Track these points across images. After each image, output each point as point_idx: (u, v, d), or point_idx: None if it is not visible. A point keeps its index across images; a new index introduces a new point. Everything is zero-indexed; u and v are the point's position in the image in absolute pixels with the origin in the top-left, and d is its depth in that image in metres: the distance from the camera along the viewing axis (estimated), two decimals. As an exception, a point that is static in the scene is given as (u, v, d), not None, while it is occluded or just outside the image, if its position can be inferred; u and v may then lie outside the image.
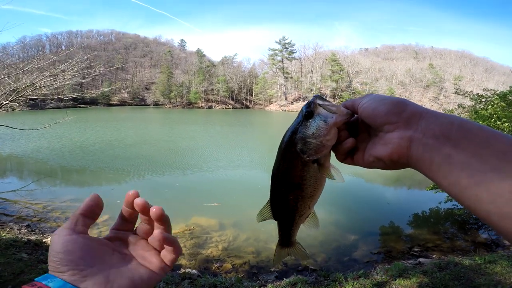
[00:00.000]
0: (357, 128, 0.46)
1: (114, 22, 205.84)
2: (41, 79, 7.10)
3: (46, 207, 6.73)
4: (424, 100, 72.09)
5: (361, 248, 4.92)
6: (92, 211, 0.41)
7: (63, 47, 67.27)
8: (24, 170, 10.60)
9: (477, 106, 5.41)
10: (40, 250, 3.15)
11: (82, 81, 9.44)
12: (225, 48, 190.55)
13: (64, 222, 4.96)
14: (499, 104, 4.41)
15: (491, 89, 5.54)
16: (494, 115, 4.21)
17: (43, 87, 8.17)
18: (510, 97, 4.94)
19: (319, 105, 0.46)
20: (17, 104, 7.51)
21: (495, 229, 0.30)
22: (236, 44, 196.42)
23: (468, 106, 6.02)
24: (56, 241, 0.35)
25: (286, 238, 0.57)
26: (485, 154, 0.30)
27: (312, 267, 4.03)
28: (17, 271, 2.37)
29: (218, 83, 67.55)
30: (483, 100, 5.34)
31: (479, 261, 3.38)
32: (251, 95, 74.14)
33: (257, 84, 72.19)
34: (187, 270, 3.94)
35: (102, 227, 5.76)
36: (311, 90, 67.44)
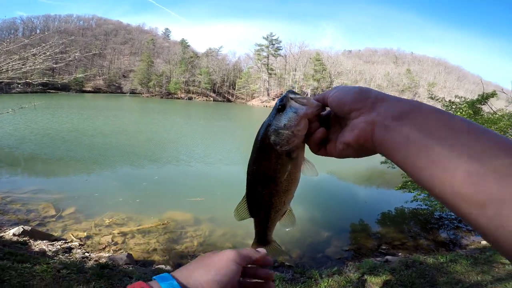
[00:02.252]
0: (329, 120, 0.48)
1: (96, 7, 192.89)
2: (8, 62, 6.55)
3: (4, 198, 6.27)
4: (399, 104, 75.32)
5: (333, 245, 5.13)
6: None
7: (38, 31, 62.30)
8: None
9: (447, 113, 5.78)
10: None
11: (55, 66, 8.86)
12: (211, 41, 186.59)
13: (25, 214, 4.66)
14: (467, 111, 4.74)
15: (461, 97, 5.94)
16: None
17: (9, 71, 7.53)
18: (477, 105, 5.34)
19: (291, 98, 0.47)
20: None
21: (451, 210, 0.30)
22: (223, 37, 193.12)
23: None
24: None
25: (262, 235, 0.58)
26: (442, 135, 0.31)
27: (288, 264, 4.14)
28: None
29: (201, 74, 66.18)
30: (453, 106, 5.72)
31: (442, 260, 3.64)
32: (234, 88, 73.51)
33: (241, 78, 71.69)
34: (160, 266, 3.89)
35: (68, 220, 5.52)
36: (293, 88, 68.13)
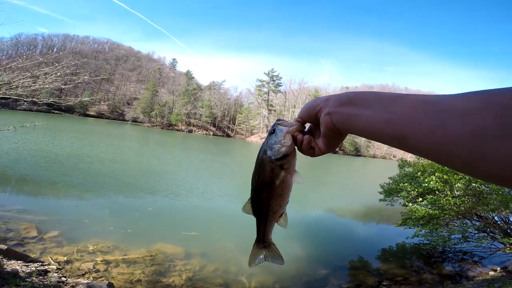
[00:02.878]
0: (311, 131, 0.61)
1: (111, 30, 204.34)
2: (20, 79, 6.76)
3: (-17, 215, 5.98)
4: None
5: (331, 282, 4.82)
6: None
7: (55, 50, 65.02)
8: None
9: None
10: None
11: (63, 86, 9.10)
12: (214, 73, 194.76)
13: (4, 233, 4.41)
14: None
15: None
16: None
17: (19, 87, 7.70)
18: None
19: (279, 124, 0.62)
20: None
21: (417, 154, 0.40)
22: (225, 70, 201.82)
23: None
24: None
25: (262, 234, 0.70)
26: (377, 106, 0.44)
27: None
28: None
29: (202, 107, 67.62)
30: None
31: None
32: (234, 123, 74.58)
33: (241, 113, 73.12)
34: (144, 300, 3.58)
35: (49, 243, 5.20)
36: (283, 116, 69.50)
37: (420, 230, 5.13)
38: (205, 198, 10.43)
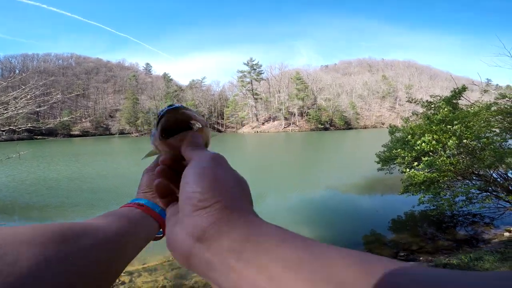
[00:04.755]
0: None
1: (75, 46, 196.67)
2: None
3: None
4: (383, 110, 77.87)
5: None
6: None
7: (17, 72, 62.07)
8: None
9: (428, 112, 5.95)
10: None
11: (38, 109, 8.70)
12: (193, 72, 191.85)
13: None
14: (446, 108, 4.88)
15: (437, 95, 6.13)
16: (446, 119, 4.63)
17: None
18: (454, 101, 5.51)
19: (159, 121, 0.38)
20: None
21: None
22: (204, 67, 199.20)
23: (421, 112, 6.57)
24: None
25: None
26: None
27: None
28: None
29: (187, 107, 66.84)
30: (432, 106, 5.88)
31: (466, 260, 3.42)
32: (223, 118, 74.13)
33: (228, 107, 72.60)
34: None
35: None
36: (280, 110, 69.46)
37: (424, 196, 5.14)
38: None
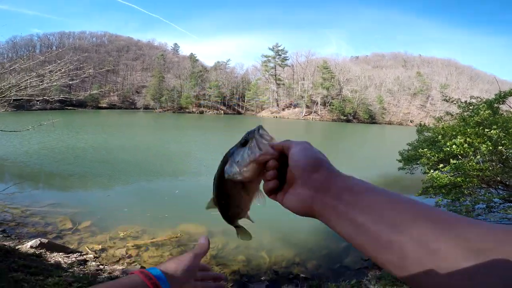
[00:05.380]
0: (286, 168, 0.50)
1: (108, 24, 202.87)
2: (26, 79, 6.86)
3: (24, 211, 6.41)
4: (412, 108, 73.82)
5: (352, 255, 4.88)
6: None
7: (54, 48, 65.38)
8: (4, 173, 10.09)
9: (465, 114, 5.54)
10: (11, 257, 2.94)
11: (70, 82, 9.21)
12: (218, 54, 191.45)
13: (44, 227, 4.72)
14: (486, 112, 4.51)
15: (477, 97, 5.68)
16: (485, 122, 4.29)
17: (28, 88, 7.87)
18: (495, 105, 5.08)
19: (255, 138, 0.51)
20: (0, 105, 7.23)
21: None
22: (229, 50, 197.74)
23: (456, 113, 6.14)
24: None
25: (228, 222, 0.66)
26: (360, 212, 0.37)
27: (303, 275, 3.96)
28: (-14, 281, 2.20)
29: (210, 88, 67.27)
30: (470, 107, 5.47)
31: None
32: (243, 101, 74.14)
33: (250, 90, 72.30)
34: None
35: (84, 233, 5.54)
36: (302, 97, 68.04)
37: (442, 200, 4.91)
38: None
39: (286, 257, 4.74)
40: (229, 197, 0.56)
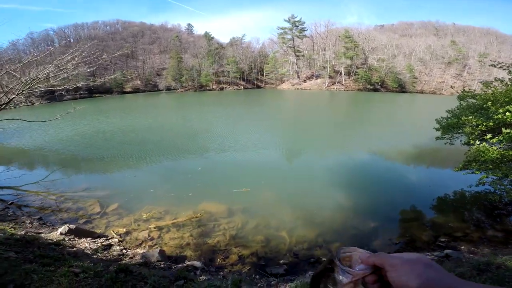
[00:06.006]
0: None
1: (118, 12, 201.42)
2: (43, 71, 6.97)
3: (59, 197, 6.80)
4: (446, 76, 67.69)
5: (381, 237, 4.53)
6: None
7: (71, 40, 67.36)
8: (42, 161, 10.73)
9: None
10: (31, 247, 3.03)
11: (88, 70, 9.32)
12: (233, 30, 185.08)
13: (76, 212, 4.87)
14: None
15: None
16: None
17: (50, 79, 8.08)
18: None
19: (339, 263, 0.53)
20: (34, 98, 7.52)
21: None
22: (244, 25, 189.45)
23: (509, 78, 5.20)
24: None
25: None
26: None
27: (325, 259, 3.73)
28: (0, 271, 2.22)
29: (228, 64, 66.35)
30: None
31: None
32: (262, 75, 72.66)
33: (268, 64, 70.36)
34: (191, 263, 3.76)
35: (111, 216, 5.74)
36: (324, 68, 64.87)
37: (487, 176, 4.23)
38: (251, 151, 10.44)
39: (308, 238, 4.53)
40: None
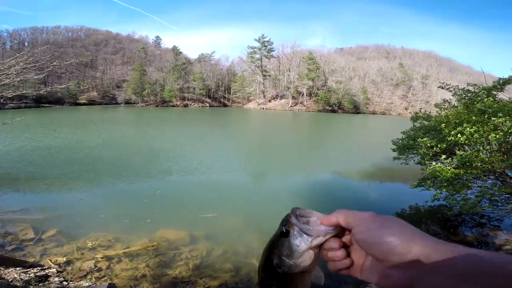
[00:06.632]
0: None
1: (84, 18, 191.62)
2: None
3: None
4: (394, 97, 75.97)
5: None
6: None
7: (26, 44, 61.55)
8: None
9: (462, 101, 5.25)
10: None
11: (35, 77, 8.32)
12: (203, 47, 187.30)
13: (3, 237, 4.02)
14: (488, 99, 4.19)
15: (475, 84, 5.41)
16: (489, 110, 3.95)
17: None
18: (494, 92, 4.79)
19: (295, 223, 0.46)
20: None
21: None
22: (214, 42, 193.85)
23: (456, 100, 5.86)
24: None
25: None
26: None
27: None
28: None
29: (194, 80, 65.62)
30: (468, 94, 5.19)
31: None
32: (229, 93, 73.20)
33: (236, 82, 71.38)
34: (149, 299, 3.27)
35: (48, 243, 4.91)
36: (288, 88, 67.93)
37: (440, 192, 4.57)
38: (212, 173, 9.98)
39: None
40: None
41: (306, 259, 0.44)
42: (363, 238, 0.40)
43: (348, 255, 0.44)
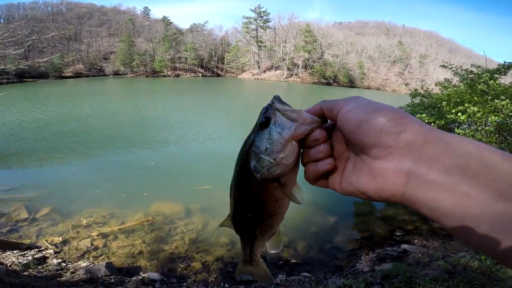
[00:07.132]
0: (331, 136, 0.37)
1: None
2: None
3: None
4: (390, 74, 75.31)
5: (342, 232, 4.61)
6: None
7: (2, 21, 57.49)
8: None
9: (464, 82, 5.15)
10: None
11: (13, 52, 7.77)
12: (194, 17, 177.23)
13: None
14: (493, 82, 4.09)
15: (479, 66, 5.29)
16: (491, 91, 3.86)
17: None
18: (496, 75, 4.72)
19: (278, 110, 0.39)
20: None
21: None
22: (207, 12, 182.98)
23: (457, 80, 5.75)
24: None
25: (248, 255, 0.52)
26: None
27: (294, 260, 3.62)
28: None
29: (186, 51, 63.05)
30: (470, 75, 5.10)
31: (488, 262, 2.89)
32: (223, 63, 71.12)
33: (230, 52, 69.10)
34: (146, 275, 3.32)
35: (43, 223, 4.88)
36: (284, 60, 66.35)
37: None
38: (209, 142, 9.91)
39: (273, 237, 4.39)
40: (260, 205, 0.42)
41: (288, 154, 0.37)
42: (352, 116, 0.32)
43: (331, 155, 0.37)
